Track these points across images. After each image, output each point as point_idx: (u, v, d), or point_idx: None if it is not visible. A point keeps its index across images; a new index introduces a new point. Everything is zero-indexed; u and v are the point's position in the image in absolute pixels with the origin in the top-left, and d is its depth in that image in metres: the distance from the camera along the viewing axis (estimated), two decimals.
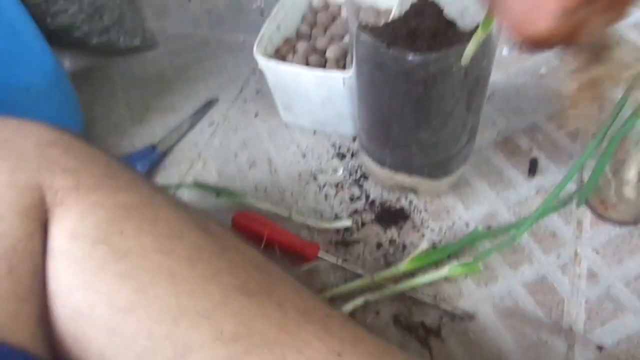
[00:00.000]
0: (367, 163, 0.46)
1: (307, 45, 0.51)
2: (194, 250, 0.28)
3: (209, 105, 0.59)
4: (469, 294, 0.41)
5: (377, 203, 0.47)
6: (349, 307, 0.40)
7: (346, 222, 0.45)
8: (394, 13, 0.47)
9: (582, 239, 0.42)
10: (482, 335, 0.38)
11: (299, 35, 0.54)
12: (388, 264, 0.43)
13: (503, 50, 0.59)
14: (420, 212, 0.46)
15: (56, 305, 0.26)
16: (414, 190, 0.46)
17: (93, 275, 0.25)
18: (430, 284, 0.41)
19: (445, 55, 0.31)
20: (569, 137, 0.49)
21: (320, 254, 0.43)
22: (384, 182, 0.47)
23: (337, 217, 0.47)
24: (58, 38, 0.53)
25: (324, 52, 0.50)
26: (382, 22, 0.47)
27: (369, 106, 0.39)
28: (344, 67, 0.49)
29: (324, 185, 0.49)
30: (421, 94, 0.34)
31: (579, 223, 0.43)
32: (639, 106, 0.33)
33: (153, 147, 0.54)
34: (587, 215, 0.44)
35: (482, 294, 0.40)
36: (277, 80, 0.50)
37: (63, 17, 0.52)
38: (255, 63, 0.48)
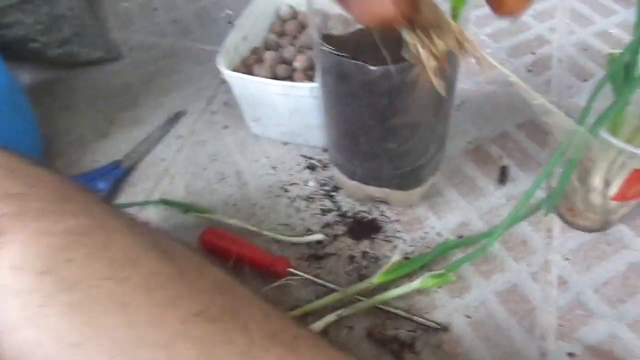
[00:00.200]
0: (338, 175, 0.45)
1: (274, 55, 0.50)
2: (151, 276, 0.27)
3: (176, 118, 0.58)
4: (443, 305, 0.40)
5: (349, 215, 0.46)
6: (320, 324, 0.39)
7: (318, 236, 0.45)
8: None
9: (552, 247, 0.42)
10: (456, 346, 0.38)
11: (266, 45, 0.53)
12: (361, 278, 0.42)
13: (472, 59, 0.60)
14: (393, 223, 0.45)
15: (2, 346, 0.24)
16: (385, 202, 0.46)
17: (38, 309, 0.23)
18: (404, 296, 0.40)
19: (408, 66, 0.31)
20: (538, 145, 0.50)
21: (291, 269, 0.42)
22: (355, 194, 0.46)
23: (308, 231, 0.46)
24: (13, 50, 0.51)
25: (292, 63, 0.49)
26: (349, 31, 0.46)
27: (335, 118, 0.38)
28: (312, 77, 0.48)
29: (295, 198, 0.48)
30: (386, 105, 0.33)
31: (549, 230, 0.43)
32: (602, 115, 0.33)
33: (117, 163, 0.53)
34: (556, 223, 0.44)
35: (456, 305, 0.40)
36: (243, 92, 0.49)
37: (18, 28, 0.50)
38: None
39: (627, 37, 0.59)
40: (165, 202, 0.49)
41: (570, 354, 0.37)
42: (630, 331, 0.37)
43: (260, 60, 0.50)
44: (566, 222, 0.43)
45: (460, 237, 0.44)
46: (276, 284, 0.41)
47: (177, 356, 0.25)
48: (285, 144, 0.53)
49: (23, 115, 0.51)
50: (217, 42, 0.50)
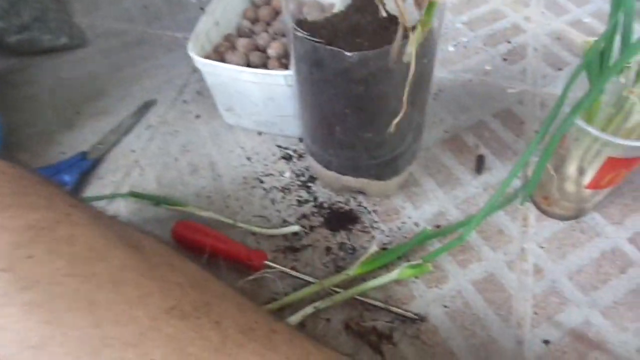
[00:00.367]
0: (314, 165, 0.44)
1: (248, 42, 0.48)
2: (119, 272, 0.26)
3: (146, 107, 0.56)
4: (420, 295, 0.40)
5: (325, 206, 0.46)
6: (297, 316, 0.38)
7: (294, 227, 0.44)
8: (336, 8, 0.45)
9: (527, 235, 0.43)
10: (434, 336, 0.38)
11: (239, 32, 0.52)
12: (338, 269, 0.42)
13: (449, 47, 0.59)
14: (370, 213, 0.45)
15: None
16: (362, 192, 0.45)
17: None
18: (381, 287, 0.40)
19: (385, 52, 0.30)
20: (514, 134, 0.50)
21: (267, 262, 0.41)
22: (331, 185, 0.45)
23: (284, 222, 0.45)
24: None
25: (266, 50, 0.48)
26: (324, 17, 0.45)
27: (310, 107, 0.37)
28: (286, 65, 0.47)
29: (271, 189, 0.47)
30: (362, 93, 0.33)
31: (525, 219, 0.44)
32: (577, 104, 0.33)
33: (84, 155, 0.50)
34: (532, 211, 0.44)
35: (433, 295, 0.40)
36: (216, 80, 0.47)
37: None
38: None
39: (600, 26, 0.60)
40: (135, 194, 0.47)
41: (546, 341, 0.37)
42: (602, 317, 0.38)
43: (233, 47, 0.49)
44: (541, 210, 0.44)
45: (438, 226, 0.44)
46: (252, 277, 0.40)
47: (147, 354, 0.24)
48: (260, 133, 0.52)
49: None
50: (188, 29, 0.48)
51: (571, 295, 0.39)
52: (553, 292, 0.39)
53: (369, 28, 0.34)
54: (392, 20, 0.35)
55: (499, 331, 0.38)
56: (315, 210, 0.45)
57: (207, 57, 0.46)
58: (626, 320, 0.37)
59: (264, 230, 0.44)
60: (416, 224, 0.44)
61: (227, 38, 0.50)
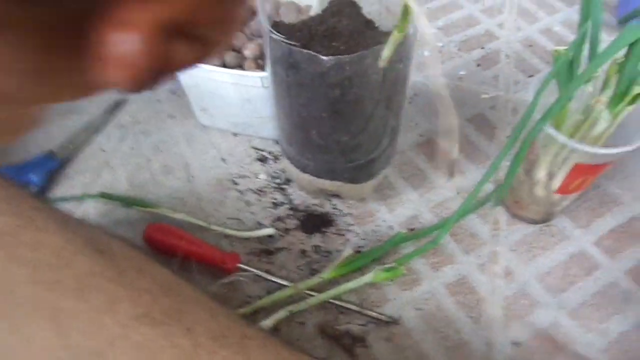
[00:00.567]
0: (289, 168, 0.44)
1: None
2: (86, 278, 0.25)
3: (116, 106, 0.54)
4: (394, 298, 0.40)
5: (300, 209, 0.45)
6: (271, 320, 0.38)
7: (269, 230, 0.43)
8: (313, 10, 0.45)
9: (499, 238, 0.43)
10: (407, 339, 0.38)
11: None
12: (313, 272, 0.41)
13: (424, 52, 0.60)
14: (345, 216, 0.45)
15: None
16: (337, 195, 0.45)
17: None
18: (355, 290, 0.40)
19: (361, 57, 0.30)
20: (486, 139, 0.51)
21: (241, 265, 0.41)
22: (306, 188, 0.45)
23: (259, 225, 0.44)
24: None
25: (242, 51, 0.47)
26: (301, 19, 0.45)
27: (286, 109, 0.37)
28: (262, 66, 0.46)
29: (245, 191, 0.47)
30: (338, 97, 0.33)
31: (496, 222, 0.44)
32: (546, 112, 0.34)
33: (51, 154, 0.49)
34: (503, 215, 0.45)
35: (406, 298, 0.40)
36: (190, 80, 0.46)
37: None
38: None
39: (569, 35, 0.61)
40: (105, 195, 0.46)
41: (516, 343, 0.38)
42: (570, 318, 0.39)
43: None
44: (512, 214, 0.45)
45: (412, 229, 0.44)
46: (225, 280, 0.40)
47: None
48: (235, 135, 0.51)
49: None
50: None
51: (540, 297, 0.40)
52: (523, 294, 0.40)
53: (345, 32, 0.34)
54: (369, 24, 0.36)
55: (471, 333, 0.38)
56: (290, 212, 0.45)
57: None
58: (592, 321, 0.38)
59: (238, 233, 0.43)
60: (390, 227, 0.44)
61: None
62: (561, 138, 0.35)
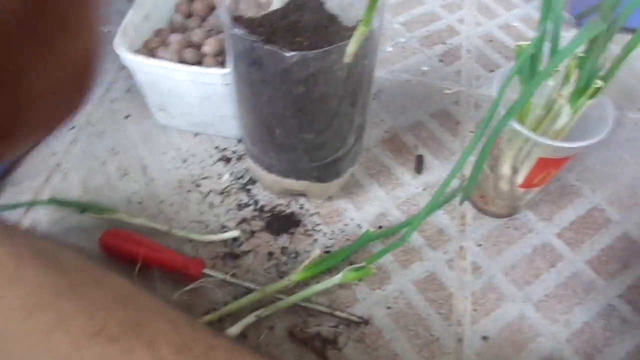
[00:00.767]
0: (254, 168, 0.42)
1: (181, 38, 0.46)
2: (33, 295, 0.23)
3: None
4: (364, 297, 0.40)
5: (266, 209, 0.44)
6: (239, 326, 0.36)
7: (234, 233, 0.42)
8: (274, 5, 0.44)
9: (465, 234, 0.44)
10: (378, 339, 0.38)
11: (171, 27, 0.49)
12: (281, 275, 0.40)
13: (387, 47, 0.60)
14: (312, 216, 0.44)
15: None
16: (304, 194, 0.44)
17: None
18: (325, 291, 0.39)
19: (326, 53, 0.29)
20: (451, 134, 0.51)
21: (206, 270, 0.39)
22: (272, 188, 0.44)
23: (223, 228, 0.43)
24: None
25: (201, 47, 0.45)
26: (260, 14, 0.43)
27: (248, 107, 0.35)
28: (222, 63, 0.45)
29: (208, 193, 0.45)
30: (303, 94, 0.32)
31: (462, 218, 0.45)
32: (510, 107, 0.34)
33: None
34: (469, 210, 0.45)
35: (376, 297, 0.40)
36: (147, 78, 0.44)
37: None
38: None
39: (528, 31, 0.63)
40: (57, 201, 0.43)
41: (485, 337, 0.38)
42: (535, 311, 0.39)
43: (165, 43, 0.46)
44: (478, 209, 0.45)
45: (380, 227, 0.44)
46: (189, 287, 0.38)
47: None
48: (196, 134, 0.49)
49: None
50: (115, 22, 0.44)
51: (507, 290, 0.40)
52: (490, 288, 0.40)
53: (308, 27, 0.33)
54: (332, 19, 0.35)
55: (441, 330, 0.38)
56: (255, 214, 0.44)
57: (137, 53, 0.43)
58: (556, 313, 0.39)
59: (201, 237, 0.42)
60: (359, 226, 0.44)
61: (158, 33, 0.47)
62: (526, 133, 0.35)
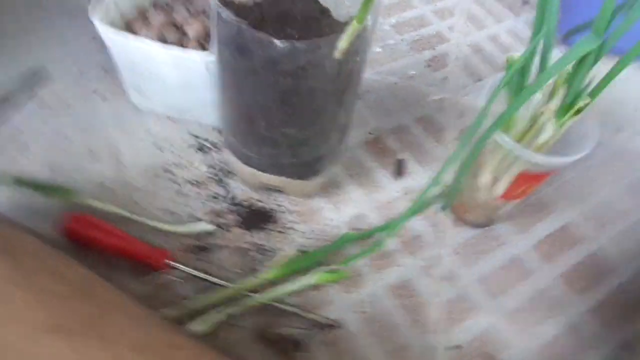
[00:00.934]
0: (231, 160, 0.41)
1: (164, 17, 0.44)
2: None
3: (34, 78, 0.48)
4: (337, 300, 0.39)
5: (242, 204, 0.43)
6: (206, 324, 0.35)
7: (206, 226, 0.40)
8: None
9: (443, 241, 0.43)
10: (350, 343, 0.37)
11: (155, 5, 0.46)
12: (253, 272, 0.39)
13: (376, 48, 0.59)
14: (289, 214, 0.43)
15: None
16: (282, 191, 0.43)
17: None
18: (298, 292, 0.38)
19: (317, 45, 0.28)
20: (434, 140, 0.51)
21: (172, 262, 0.37)
22: (249, 182, 0.42)
23: (195, 220, 0.41)
24: None
25: (184, 28, 0.43)
26: (250, 0, 0.42)
27: (231, 96, 0.34)
28: (206, 47, 0.43)
29: (181, 182, 0.43)
30: (290, 86, 0.30)
31: (440, 225, 0.44)
32: (497, 120, 0.33)
33: None
34: (447, 218, 0.45)
35: (350, 300, 0.39)
36: (124, 56, 0.42)
37: None
38: None
39: (515, 44, 0.63)
40: (20, 182, 0.40)
41: (457, 346, 0.37)
42: (507, 322, 0.39)
43: (146, 22, 0.43)
44: (456, 217, 0.45)
45: (357, 229, 0.43)
46: (152, 278, 0.36)
47: None
48: (172, 119, 0.47)
49: None
50: None
51: (480, 300, 0.40)
52: (464, 297, 0.40)
53: (299, 18, 0.31)
54: (324, 12, 0.33)
55: (414, 337, 0.38)
56: (230, 207, 0.42)
57: (115, 28, 0.40)
58: (527, 325, 0.39)
59: (171, 227, 0.40)
60: (336, 226, 0.43)
61: (140, 11, 0.45)
62: (510, 144, 0.35)
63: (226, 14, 0.28)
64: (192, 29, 0.42)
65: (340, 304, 0.38)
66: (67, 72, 0.50)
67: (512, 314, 0.40)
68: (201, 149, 0.46)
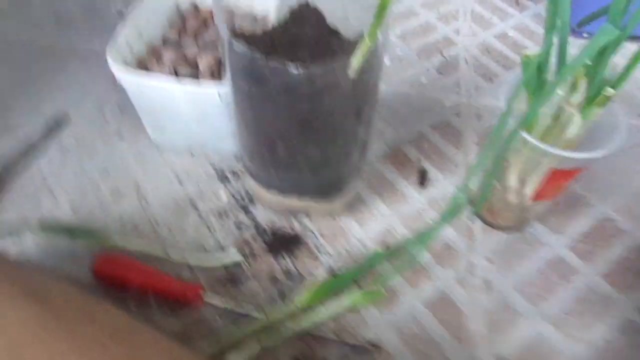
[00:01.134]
0: (253, 186, 0.41)
1: (175, 54, 0.44)
2: (21, 334, 0.21)
3: (57, 124, 0.49)
4: (373, 321, 0.38)
5: (267, 230, 0.42)
6: (241, 357, 0.34)
7: (234, 256, 0.40)
8: (272, 19, 0.43)
9: (475, 249, 0.42)
10: None
11: (165, 43, 0.47)
12: (285, 299, 0.38)
13: (385, 60, 0.59)
14: (315, 236, 0.42)
15: None
16: (306, 213, 0.42)
17: None
18: (332, 317, 0.37)
19: (332, 68, 0.27)
20: (454, 146, 0.50)
21: (204, 296, 0.37)
22: (273, 207, 0.42)
23: (223, 251, 0.41)
24: None
25: (195, 62, 0.44)
26: (260, 29, 0.42)
27: (249, 124, 0.34)
28: (219, 79, 0.43)
29: (206, 214, 0.43)
30: (307, 110, 0.30)
31: (470, 232, 0.43)
32: (521, 120, 0.33)
33: None
34: (476, 224, 0.44)
35: (386, 320, 0.38)
36: (140, 95, 0.42)
37: None
38: None
39: (523, 39, 0.62)
40: (46, 227, 0.41)
41: (500, 358, 0.36)
42: (554, 329, 0.38)
43: (158, 60, 0.44)
44: (486, 222, 0.44)
45: (385, 245, 0.42)
46: (187, 315, 0.36)
47: None
48: (191, 152, 0.48)
49: None
50: (107, 39, 0.42)
51: (521, 307, 0.39)
52: (504, 306, 0.39)
53: (310, 42, 0.31)
54: (333, 32, 0.33)
55: (455, 352, 0.36)
56: (256, 235, 0.42)
57: (130, 70, 0.41)
58: (576, 330, 0.37)
59: (200, 261, 0.40)
60: (364, 244, 0.42)
61: (152, 50, 0.45)
62: (538, 144, 0.34)
63: (239, 45, 0.28)
64: (203, 62, 0.43)
65: (377, 325, 0.37)
66: (85, 115, 0.51)
67: (557, 319, 0.38)
68: (222, 178, 0.46)
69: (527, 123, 0.34)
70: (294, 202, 0.40)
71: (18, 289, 0.24)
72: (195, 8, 0.50)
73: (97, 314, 0.26)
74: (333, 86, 0.29)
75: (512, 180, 0.39)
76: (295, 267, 0.40)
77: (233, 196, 0.45)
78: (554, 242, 0.43)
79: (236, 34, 0.30)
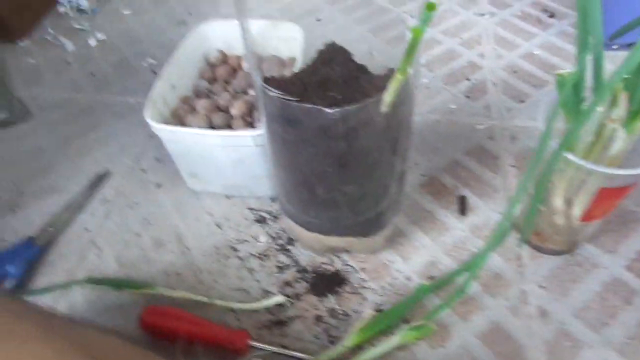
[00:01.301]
0: (292, 227, 0.41)
1: (208, 103, 0.46)
2: None
3: (99, 180, 0.51)
4: (424, 357, 0.36)
5: (309, 269, 0.42)
6: None
7: (277, 298, 0.39)
8: (300, 62, 0.44)
9: (525, 276, 0.40)
10: None
11: (197, 93, 0.49)
12: (332, 340, 0.37)
13: None
14: (358, 272, 0.41)
15: None
16: (347, 251, 0.42)
17: None
18: (382, 355, 0.36)
19: (365, 106, 0.28)
20: (490, 170, 0.49)
21: (252, 342, 0.36)
22: (313, 246, 0.42)
23: (266, 294, 0.41)
24: None
25: (228, 109, 0.45)
26: (287, 72, 0.43)
27: (285, 167, 0.34)
28: (251, 124, 0.44)
29: (247, 258, 0.43)
30: (343, 148, 0.30)
31: (518, 259, 0.42)
32: (563, 140, 0.32)
33: (31, 240, 0.45)
34: (524, 249, 0.42)
35: (440, 355, 0.36)
36: (177, 146, 0.43)
37: None
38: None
39: (550, 57, 0.61)
40: (93, 280, 0.42)
41: None
42: (619, 355, 0.35)
43: (192, 110, 0.46)
44: (534, 247, 0.42)
45: (431, 278, 0.41)
46: None
47: None
48: (229, 197, 0.48)
49: None
50: (141, 94, 0.44)
51: (582, 335, 0.37)
52: (563, 334, 0.37)
53: (339, 80, 0.32)
54: (361, 69, 0.34)
55: None
56: (298, 275, 0.42)
57: (166, 122, 0.43)
58: None
59: (244, 306, 0.39)
60: (408, 278, 0.41)
61: (185, 100, 0.47)
62: (582, 163, 0.33)
63: (272, 90, 0.29)
64: (236, 109, 0.44)
65: None
66: (124, 168, 0.52)
67: (622, 345, 0.36)
68: (260, 221, 0.46)
69: (569, 143, 0.33)
70: (334, 240, 0.39)
71: (69, 344, 0.24)
72: (224, 57, 0.52)
73: None
74: (367, 123, 0.29)
75: (558, 201, 0.37)
76: (340, 305, 0.39)
77: (272, 238, 0.45)
78: (609, 262, 0.41)
79: (268, 79, 0.30)
